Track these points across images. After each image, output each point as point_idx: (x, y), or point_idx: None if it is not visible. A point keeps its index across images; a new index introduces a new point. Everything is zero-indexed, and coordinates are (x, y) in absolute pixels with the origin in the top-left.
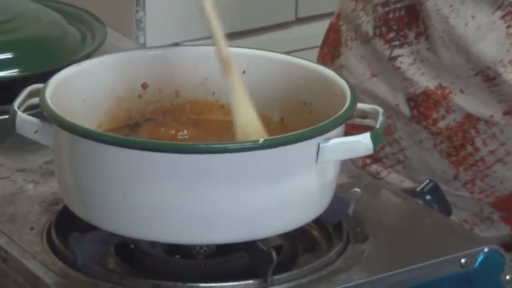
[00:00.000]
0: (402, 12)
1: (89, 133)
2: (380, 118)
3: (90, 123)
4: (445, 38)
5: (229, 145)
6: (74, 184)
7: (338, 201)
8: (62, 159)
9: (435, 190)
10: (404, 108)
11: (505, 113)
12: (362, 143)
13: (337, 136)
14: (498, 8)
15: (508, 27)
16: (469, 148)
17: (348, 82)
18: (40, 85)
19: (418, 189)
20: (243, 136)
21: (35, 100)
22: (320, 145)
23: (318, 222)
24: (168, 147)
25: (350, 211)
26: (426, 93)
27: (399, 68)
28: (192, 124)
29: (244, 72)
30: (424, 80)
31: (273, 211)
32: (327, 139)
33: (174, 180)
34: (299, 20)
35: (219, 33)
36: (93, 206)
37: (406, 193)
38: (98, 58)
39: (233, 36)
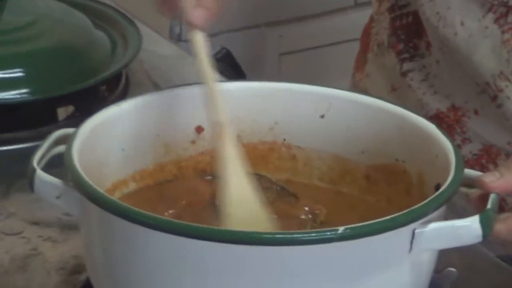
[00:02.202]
0: (410, 19)
1: (126, 212)
2: (492, 195)
3: (130, 177)
4: (444, 49)
5: (298, 235)
6: (105, 269)
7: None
8: (91, 235)
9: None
10: None
11: None
12: (470, 228)
13: (438, 218)
14: (489, 11)
15: (503, 32)
16: None
17: (453, 143)
18: (69, 131)
19: None
20: (231, 219)
21: (62, 148)
22: (416, 232)
23: None
24: (223, 236)
25: None
26: (438, 116)
27: (410, 86)
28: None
29: (323, 116)
30: (436, 101)
31: None
32: (425, 223)
33: (231, 275)
34: (359, 5)
35: (216, 92)
36: None
37: (506, 261)
38: (142, 96)
39: (289, 22)
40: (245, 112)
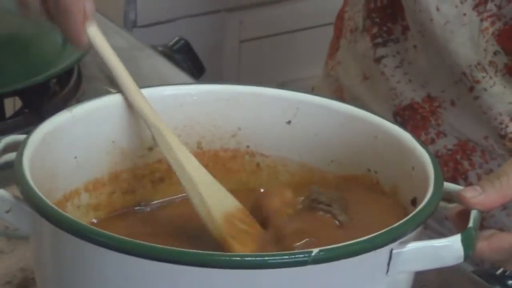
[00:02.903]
0: (385, 1)
1: (76, 228)
2: (474, 211)
3: (83, 187)
4: (424, 33)
5: (268, 258)
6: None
7: None
8: (44, 255)
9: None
10: None
11: (501, 136)
12: (452, 249)
13: (416, 237)
14: None
15: (481, 20)
16: (462, 183)
17: (431, 155)
18: (19, 138)
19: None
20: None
21: (11, 156)
22: (393, 252)
23: None
24: (188, 259)
25: None
26: (413, 107)
27: (383, 73)
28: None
29: (289, 122)
30: (410, 90)
31: None
32: (403, 243)
33: None
34: None
35: (138, 97)
36: None
37: (482, 277)
38: (97, 100)
39: (250, 7)
40: (207, 117)
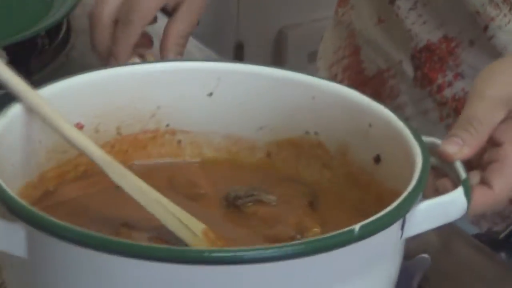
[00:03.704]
0: None
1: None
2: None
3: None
4: None
5: (311, 242)
6: None
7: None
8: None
9: None
10: (408, 67)
11: None
12: (457, 202)
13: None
14: None
15: None
16: None
17: (393, 111)
18: None
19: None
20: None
21: None
22: (407, 217)
23: None
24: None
25: (415, 285)
26: (429, 48)
27: (397, 15)
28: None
29: (211, 94)
30: (426, 31)
31: None
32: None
33: None
34: None
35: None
36: None
37: (485, 242)
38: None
39: None
40: (126, 100)
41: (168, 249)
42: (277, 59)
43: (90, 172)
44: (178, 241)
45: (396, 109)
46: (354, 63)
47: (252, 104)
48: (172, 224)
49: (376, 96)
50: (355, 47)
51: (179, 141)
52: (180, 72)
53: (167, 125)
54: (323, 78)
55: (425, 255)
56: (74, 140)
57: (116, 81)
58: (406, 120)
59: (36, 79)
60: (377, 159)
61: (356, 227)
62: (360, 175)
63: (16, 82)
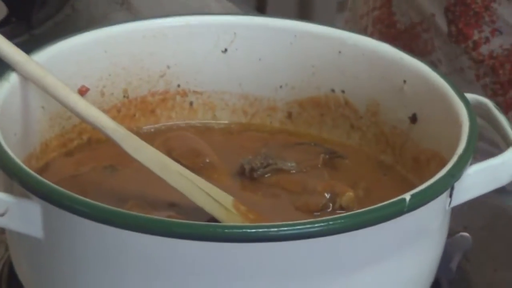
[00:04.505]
0: None
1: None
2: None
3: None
4: None
5: (364, 213)
6: None
7: None
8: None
9: None
10: (441, 21)
11: None
12: (508, 165)
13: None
14: None
15: None
16: None
17: (429, 64)
18: None
19: None
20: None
21: None
22: (455, 185)
23: None
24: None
25: (454, 265)
26: (464, 2)
27: None
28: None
29: (225, 50)
30: None
31: None
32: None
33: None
34: None
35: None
36: None
37: None
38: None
39: None
40: (133, 59)
41: (212, 226)
42: (303, 8)
43: (95, 139)
44: (199, 218)
45: None
46: (385, 15)
47: (271, 61)
48: (199, 199)
49: (409, 51)
50: None
51: (191, 103)
52: (191, 27)
53: (178, 86)
54: (352, 30)
55: (466, 234)
56: (82, 112)
57: (121, 39)
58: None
59: (39, 33)
60: (413, 119)
61: (407, 196)
62: (393, 136)
63: (12, 52)
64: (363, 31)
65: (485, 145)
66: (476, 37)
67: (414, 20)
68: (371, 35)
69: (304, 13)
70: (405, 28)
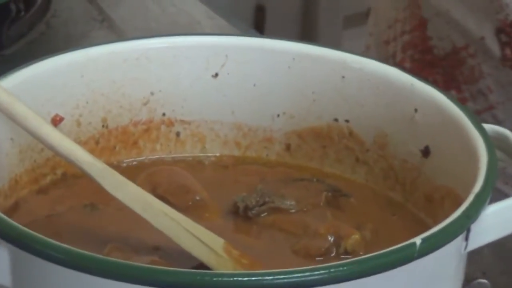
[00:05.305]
0: None
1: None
2: None
3: None
4: None
5: (373, 257)
6: None
7: None
8: None
9: None
10: (493, 44)
11: None
12: None
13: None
14: None
15: None
16: None
17: (442, 91)
18: None
19: None
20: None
21: None
22: (471, 227)
23: None
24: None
25: None
26: None
27: None
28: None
29: (216, 75)
30: None
31: None
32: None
33: None
34: None
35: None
36: None
37: None
38: None
39: None
40: (112, 86)
41: (200, 274)
42: (306, 24)
43: (71, 175)
44: (185, 264)
45: (477, 95)
46: (419, 39)
47: (267, 87)
48: (186, 242)
49: (450, 80)
50: (420, 20)
51: (178, 134)
52: (178, 49)
53: (163, 115)
54: (375, 59)
55: (484, 280)
56: (55, 145)
57: (100, 62)
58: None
59: (10, 53)
60: (426, 152)
61: (417, 240)
62: (403, 171)
63: None
64: (390, 59)
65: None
66: None
67: (457, 44)
68: (400, 63)
69: (307, 30)
70: (445, 54)
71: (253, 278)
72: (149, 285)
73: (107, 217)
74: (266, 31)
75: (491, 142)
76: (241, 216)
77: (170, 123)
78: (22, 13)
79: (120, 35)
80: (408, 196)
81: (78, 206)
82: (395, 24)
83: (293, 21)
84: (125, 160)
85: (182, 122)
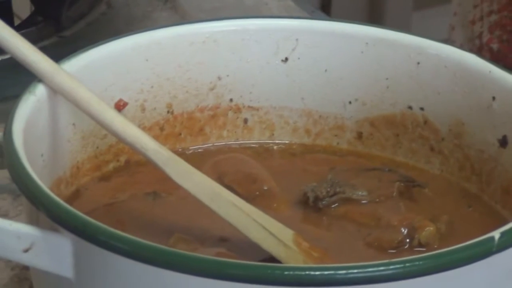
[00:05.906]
0: None
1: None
2: None
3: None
4: None
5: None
6: None
7: None
8: None
9: None
10: None
11: None
12: None
13: None
14: None
15: None
16: None
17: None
18: None
19: None
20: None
21: None
22: None
23: None
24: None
25: None
26: None
27: None
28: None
29: (286, 59)
30: None
31: None
32: None
33: None
34: None
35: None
36: None
37: None
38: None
39: None
40: (178, 70)
41: (270, 268)
42: (373, 5)
43: (134, 162)
44: (253, 256)
45: None
46: (507, 19)
47: (339, 72)
48: (255, 234)
49: None
50: None
51: (245, 120)
52: (246, 32)
53: (230, 100)
54: (461, 40)
55: None
56: (119, 131)
57: (165, 45)
58: None
59: (69, 35)
60: (504, 141)
61: (496, 234)
62: (479, 161)
63: (38, 60)
64: (477, 39)
65: None
66: None
67: None
68: (488, 44)
69: (374, 11)
70: None
71: (326, 273)
72: (217, 279)
73: (170, 206)
74: (333, 11)
75: None
76: (311, 207)
77: (238, 109)
78: None
79: (183, 16)
80: (484, 187)
81: (140, 194)
82: (482, 3)
83: (360, 3)
84: (190, 147)
85: (250, 108)
